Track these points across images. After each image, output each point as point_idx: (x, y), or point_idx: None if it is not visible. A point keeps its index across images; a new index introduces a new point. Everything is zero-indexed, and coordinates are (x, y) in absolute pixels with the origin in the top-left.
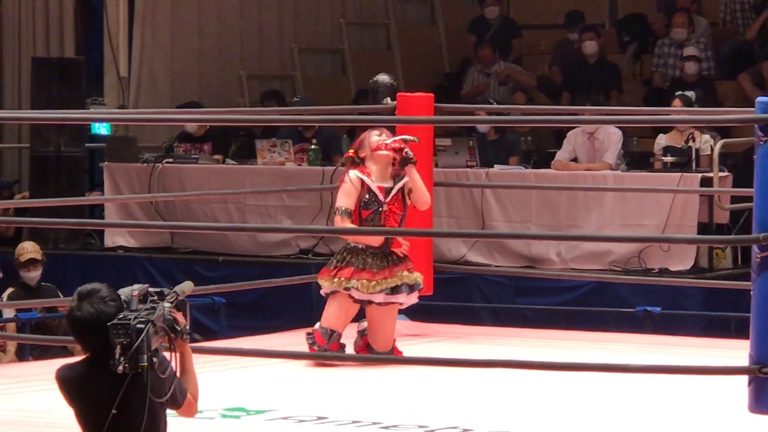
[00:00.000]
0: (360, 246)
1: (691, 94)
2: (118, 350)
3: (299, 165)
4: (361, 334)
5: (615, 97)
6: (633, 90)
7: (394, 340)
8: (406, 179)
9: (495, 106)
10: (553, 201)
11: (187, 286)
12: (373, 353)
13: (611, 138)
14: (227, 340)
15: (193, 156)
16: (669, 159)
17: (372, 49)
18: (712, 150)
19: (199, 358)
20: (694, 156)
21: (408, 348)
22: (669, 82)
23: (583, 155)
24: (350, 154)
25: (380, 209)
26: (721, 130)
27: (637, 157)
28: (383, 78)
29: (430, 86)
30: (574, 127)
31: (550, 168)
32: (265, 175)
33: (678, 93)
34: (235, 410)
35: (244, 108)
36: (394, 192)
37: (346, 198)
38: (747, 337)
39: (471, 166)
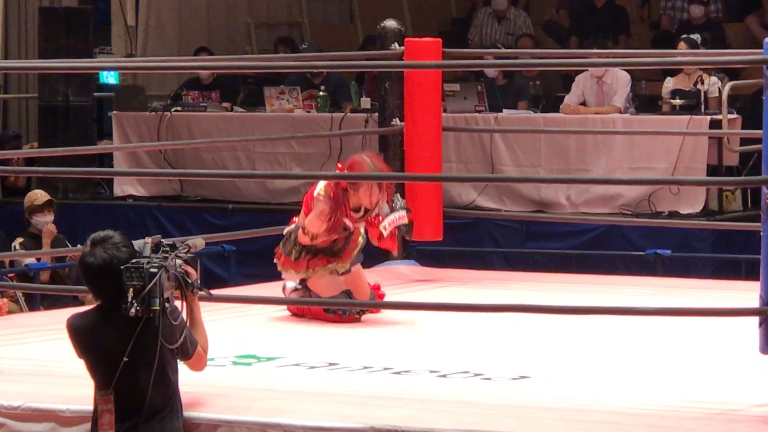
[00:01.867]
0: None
1: (696, 36)
2: (130, 293)
3: (308, 112)
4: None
5: (623, 41)
6: (641, 34)
7: (372, 287)
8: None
9: (503, 50)
10: (562, 145)
11: (198, 242)
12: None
13: (619, 81)
14: (237, 288)
15: (201, 104)
16: (677, 102)
17: None
18: (720, 92)
19: (209, 306)
20: (702, 98)
21: (418, 293)
22: (677, 25)
23: (592, 99)
24: (343, 183)
25: (349, 235)
26: (729, 73)
27: (645, 101)
28: (391, 24)
29: (437, 32)
30: (583, 71)
31: (558, 112)
32: (274, 122)
33: (683, 36)
34: (246, 357)
35: (253, 55)
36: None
37: (318, 223)
38: (758, 279)
39: (480, 111)
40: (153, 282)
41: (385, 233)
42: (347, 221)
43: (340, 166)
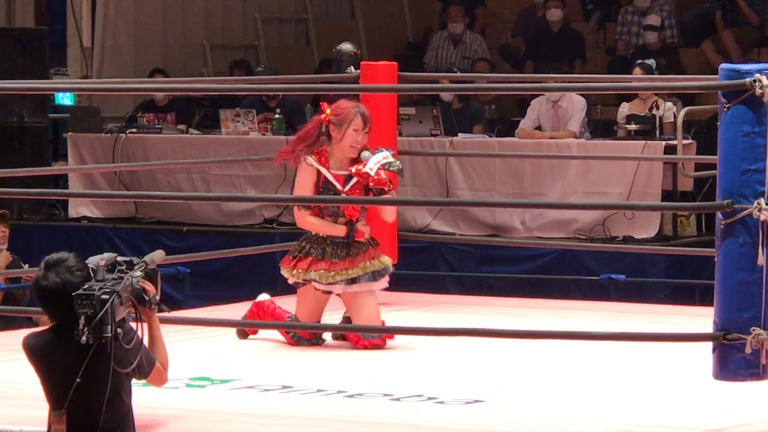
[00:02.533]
0: (321, 235)
1: (651, 62)
2: (82, 321)
3: (263, 134)
4: (346, 321)
5: (579, 66)
6: (596, 58)
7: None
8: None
9: (459, 74)
10: (518, 169)
11: (157, 255)
12: (365, 336)
13: (575, 106)
14: (192, 310)
15: (156, 126)
16: (633, 127)
17: (335, 18)
18: (675, 117)
19: (164, 328)
20: (657, 124)
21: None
22: (632, 51)
23: (547, 123)
24: (325, 118)
25: (351, 227)
26: (684, 98)
27: (600, 126)
28: (347, 47)
29: (393, 55)
30: (538, 96)
31: (514, 136)
32: (229, 144)
33: (638, 61)
34: (200, 380)
35: (209, 77)
36: (354, 181)
37: (303, 191)
38: (711, 305)
39: (435, 135)
40: (104, 309)
41: (371, 172)
42: (334, 181)
43: (325, 106)
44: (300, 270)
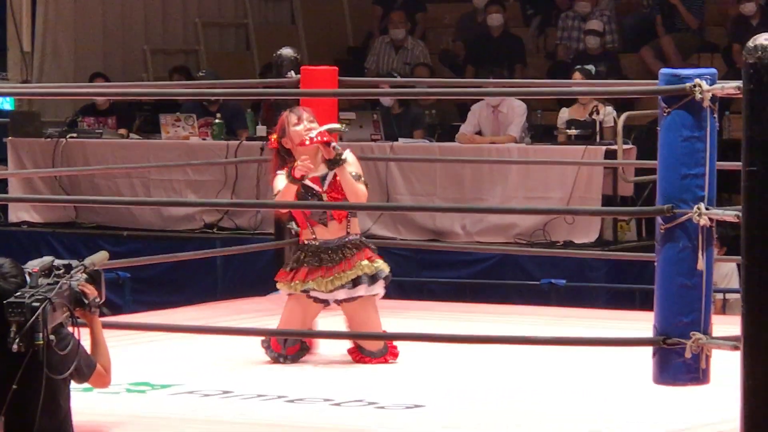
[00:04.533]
0: (315, 243)
1: (591, 67)
2: (13, 329)
3: (203, 139)
4: None
5: (519, 71)
6: (537, 63)
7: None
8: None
9: (399, 79)
10: (458, 174)
11: (99, 257)
12: (366, 353)
13: (515, 111)
14: (132, 315)
15: (97, 131)
16: (573, 132)
17: (276, 23)
18: (615, 122)
19: (104, 333)
20: (597, 128)
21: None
22: (573, 56)
23: (488, 128)
24: (273, 143)
25: (321, 201)
26: (624, 104)
27: (541, 130)
28: (287, 52)
29: (333, 60)
30: (478, 101)
31: (454, 141)
32: (170, 149)
33: (578, 66)
34: (140, 385)
35: (149, 82)
36: (330, 179)
37: (281, 185)
38: (651, 309)
39: (375, 140)
40: (35, 317)
41: (313, 133)
42: (311, 184)
43: (274, 140)
44: (297, 281)
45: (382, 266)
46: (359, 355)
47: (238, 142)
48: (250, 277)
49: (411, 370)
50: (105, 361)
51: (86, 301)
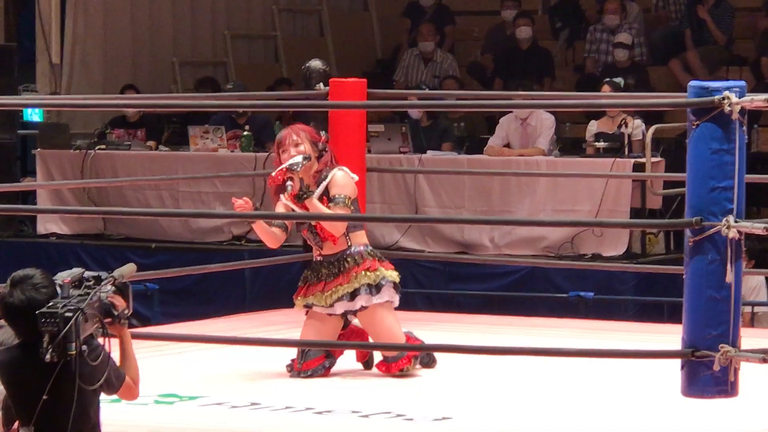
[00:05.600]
0: (317, 259)
1: (619, 80)
2: (46, 339)
3: (232, 151)
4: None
5: (547, 84)
6: (565, 76)
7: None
8: (326, 180)
9: (427, 91)
10: (486, 187)
11: (127, 269)
12: (388, 360)
13: (544, 123)
14: (160, 326)
15: (125, 143)
16: (601, 144)
17: (304, 35)
18: (644, 135)
19: (133, 345)
20: (626, 141)
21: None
22: (601, 69)
23: (516, 141)
24: (278, 175)
25: (312, 226)
26: (652, 117)
27: (569, 143)
28: (315, 64)
29: (362, 73)
30: (507, 113)
31: (482, 154)
32: (198, 161)
33: (606, 79)
34: (168, 396)
35: (177, 94)
36: (317, 194)
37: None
38: (680, 322)
39: (404, 152)
40: (67, 327)
41: (273, 174)
42: (297, 208)
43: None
44: (300, 297)
45: (386, 273)
46: (384, 365)
47: (266, 154)
48: (278, 288)
49: (439, 382)
50: (134, 374)
51: (115, 313)
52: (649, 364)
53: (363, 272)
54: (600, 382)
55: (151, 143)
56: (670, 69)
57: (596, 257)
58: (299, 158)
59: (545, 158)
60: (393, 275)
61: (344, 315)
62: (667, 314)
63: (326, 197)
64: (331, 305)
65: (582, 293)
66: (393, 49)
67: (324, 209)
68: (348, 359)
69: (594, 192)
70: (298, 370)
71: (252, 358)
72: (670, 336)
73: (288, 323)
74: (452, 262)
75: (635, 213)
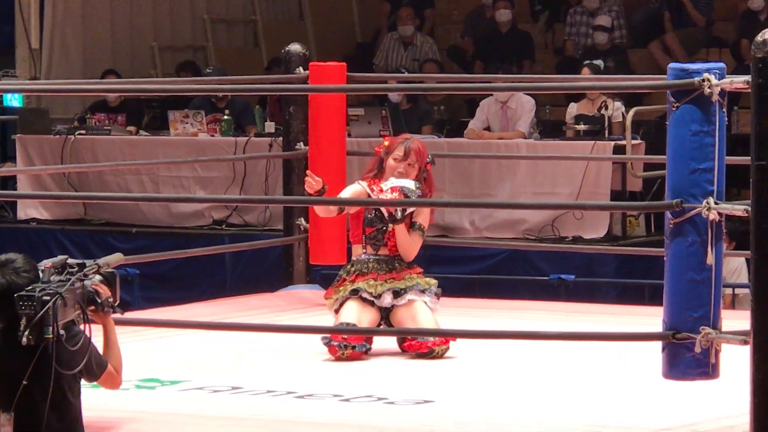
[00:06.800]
0: (364, 257)
1: (599, 62)
2: (23, 322)
3: (212, 135)
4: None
5: (527, 67)
6: (545, 59)
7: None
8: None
9: (407, 75)
10: (467, 170)
11: (114, 259)
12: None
13: (524, 106)
14: (141, 311)
15: (106, 128)
16: (582, 127)
17: (284, 19)
18: (624, 117)
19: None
20: (606, 124)
21: (322, 318)
22: (581, 51)
23: (496, 124)
24: (379, 149)
25: (384, 228)
26: (632, 99)
27: (549, 126)
28: (295, 48)
29: (342, 57)
30: (487, 96)
31: (463, 137)
32: (178, 146)
33: (586, 62)
34: (149, 381)
35: (157, 79)
36: (404, 212)
37: (345, 191)
38: (661, 304)
39: (384, 136)
40: (44, 310)
41: (385, 186)
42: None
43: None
44: (347, 284)
45: (432, 282)
46: (417, 343)
47: (246, 138)
48: (259, 273)
49: (421, 366)
50: (116, 362)
51: (99, 301)
52: (630, 346)
53: (415, 275)
54: (582, 365)
55: (131, 128)
56: (649, 51)
57: (577, 240)
58: (413, 185)
59: (525, 141)
60: (436, 286)
61: (383, 312)
62: (648, 296)
63: (409, 218)
64: (379, 295)
65: (563, 276)
66: (373, 33)
67: (407, 237)
68: None
69: (574, 174)
70: (344, 340)
71: (233, 342)
72: (651, 318)
73: (269, 307)
74: (433, 245)
75: (616, 195)
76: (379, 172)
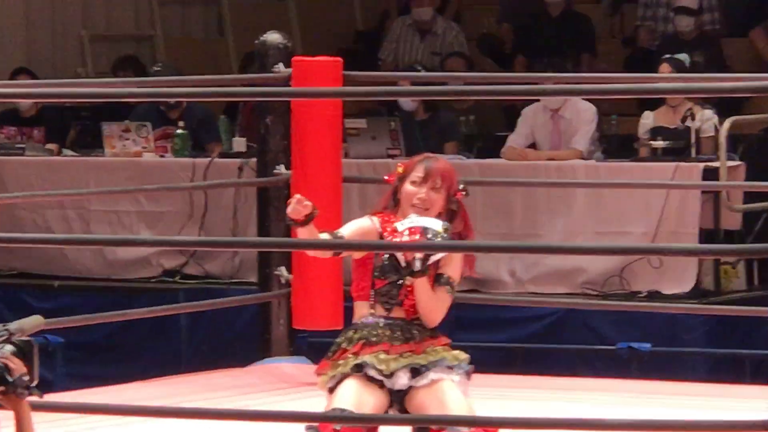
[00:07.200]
0: (372, 320)
1: (684, 56)
2: None
3: (161, 156)
4: None
5: (586, 62)
6: (611, 52)
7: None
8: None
9: (425, 74)
10: (505, 202)
11: (30, 323)
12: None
13: (581, 116)
14: (66, 393)
15: (18, 145)
16: (659, 144)
17: (258, 1)
18: (717, 131)
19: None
20: (693, 139)
21: (310, 402)
22: (659, 41)
23: (545, 140)
24: (392, 177)
25: (400, 282)
26: (728, 106)
27: (616, 142)
28: (273, 38)
29: (336, 49)
30: (532, 103)
31: (499, 157)
32: (116, 170)
33: (666, 56)
34: None
35: (87, 80)
36: (426, 262)
37: (348, 226)
38: (765, 382)
39: (393, 156)
40: None
41: (399, 227)
42: (399, 256)
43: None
44: (349, 357)
45: (462, 357)
46: None
47: (207, 159)
48: (226, 341)
49: None
50: None
51: (10, 380)
52: None
53: (440, 347)
54: None
55: (52, 146)
56: (751, 41)
57: (654, 296)
58: (440, 226)
59: (584, 163)
60: (467, 360)
61: (394, 396)
62: (750, 372)
63: (434, 267)
64: (391, 375)
65: (635, 344)
66: (378, 18)
67: (431, 295)
68: None
69: (650, 208)
70: None
71: None
72: (754, 402)
73: (238, 387)
74: (460, 303)
75: (707, 236)
76: (394, 207)
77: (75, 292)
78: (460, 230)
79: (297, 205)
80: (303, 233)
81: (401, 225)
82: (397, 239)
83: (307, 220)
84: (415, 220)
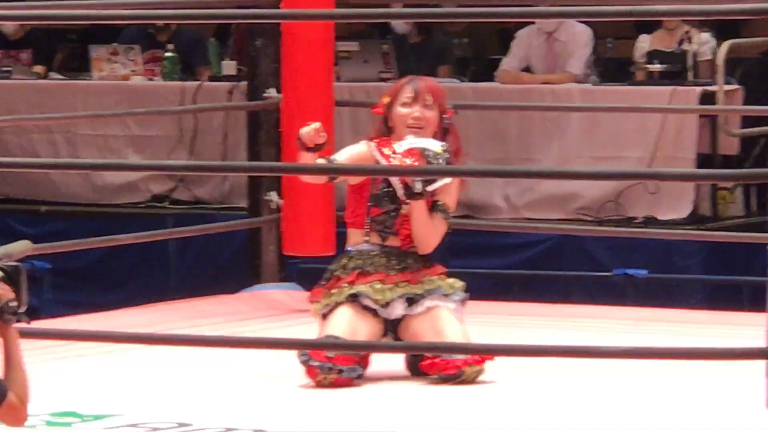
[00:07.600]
0: (367, 247)
1: None
2: None
3: (150, 79)
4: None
5: None
6: None
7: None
8: (444, 181)
9: None
10: (499, 126)
11: (18, 247)
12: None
13: (577, 39)
14: (54, 320)
15: (4, 68)
16: (656, 67)
17: None
18: (715, 54)
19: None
20: (690, 63)
21: (300, 329)
22: None
23: (540, 63)
24: (380, 108)
25: (397, 210)
26: (727, 27)
27: (612, 66)
28: None
29: None
30: (527, 25)
31: (493, 81)
32: (104, 93)
33: None
34: (65, 415)
35: (74, 1)
36: (432, 188)
37: (344, 152)
38: (764, 309)
39: (386, 80)
40: None
41: (398, 149)
42: (396, 180)
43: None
44: (344, 286)
45: (458, 285)
46: (441, 363)
47: (197, 83)
48: (215, 268)
49: (444, 394)
50: (21, 390)
51: None
52: (722, 366)
53: (436, 277)
54: (657, 392)
55: (39, 69)
56: None
57: (650, 222)
58: (439, 147)
59: (579, 86)
60: (463, 288)
61: (388, 324)
62: (747, 299)
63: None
64: (386, 304)
65: (631, 271)
66: None
67: (428, 220)
68: None
69: (647, 132)
70: (325, 363)
71: (179, 363)
72: (751, 329)
73: (227, 314)
74: (454, 228)
75: (704, 160)
76: (387, 134)
77: (62, 218)
78: (454, 149)
79: (313, 132)
80: (305, 158)
81: (399, 147)
82: (396, 161)
83: (316, 148)
84: (413, 141)
